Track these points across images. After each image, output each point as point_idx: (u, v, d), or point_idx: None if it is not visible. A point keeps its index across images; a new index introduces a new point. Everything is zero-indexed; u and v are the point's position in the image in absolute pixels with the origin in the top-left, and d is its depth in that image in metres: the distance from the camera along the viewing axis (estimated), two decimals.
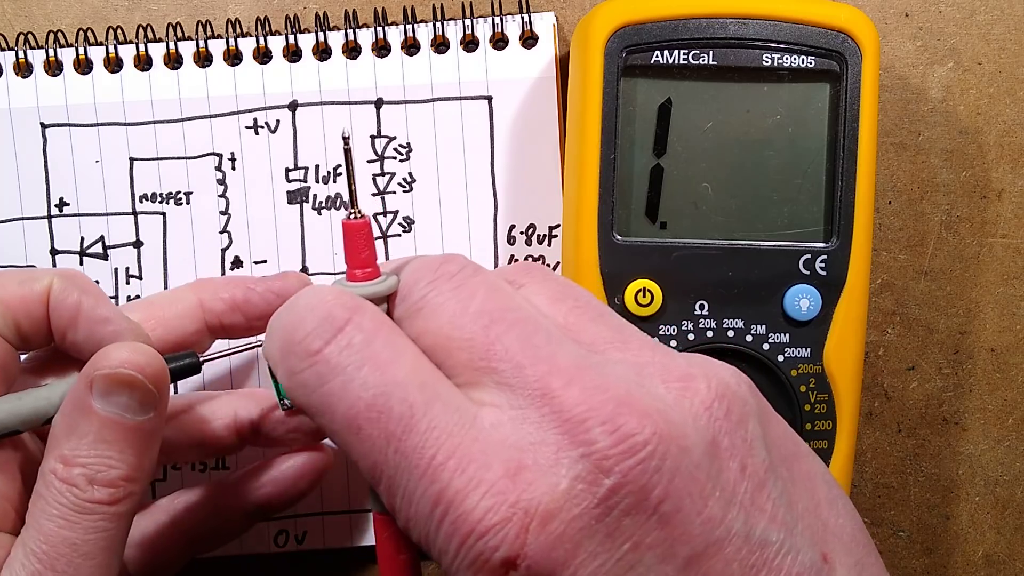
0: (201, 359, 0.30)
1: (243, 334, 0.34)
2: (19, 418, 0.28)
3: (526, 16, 0.38)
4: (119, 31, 0.38)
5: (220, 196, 0.39)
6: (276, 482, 0.34)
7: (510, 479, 0.21)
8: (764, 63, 0.33)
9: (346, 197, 0.38)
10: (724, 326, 0.34)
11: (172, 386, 0.38)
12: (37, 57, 0.38)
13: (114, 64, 0.38)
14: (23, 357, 0.32)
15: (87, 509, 0.26)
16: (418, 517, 0.22)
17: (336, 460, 0.39)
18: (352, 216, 0.26)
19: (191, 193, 0.39)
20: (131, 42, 0.38)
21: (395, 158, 0.38)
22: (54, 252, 0.39)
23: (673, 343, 0.34)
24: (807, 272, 0.34)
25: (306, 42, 0.38)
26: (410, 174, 0.38)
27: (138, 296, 0.39)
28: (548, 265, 0.39)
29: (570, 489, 0.21)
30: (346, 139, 0.27)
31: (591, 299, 0.26)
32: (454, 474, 0.21)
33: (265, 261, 0.39)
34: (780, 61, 0.33)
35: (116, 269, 0.39)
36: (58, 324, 0.30)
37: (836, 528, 0.24)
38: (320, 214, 0.39)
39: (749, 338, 0.34)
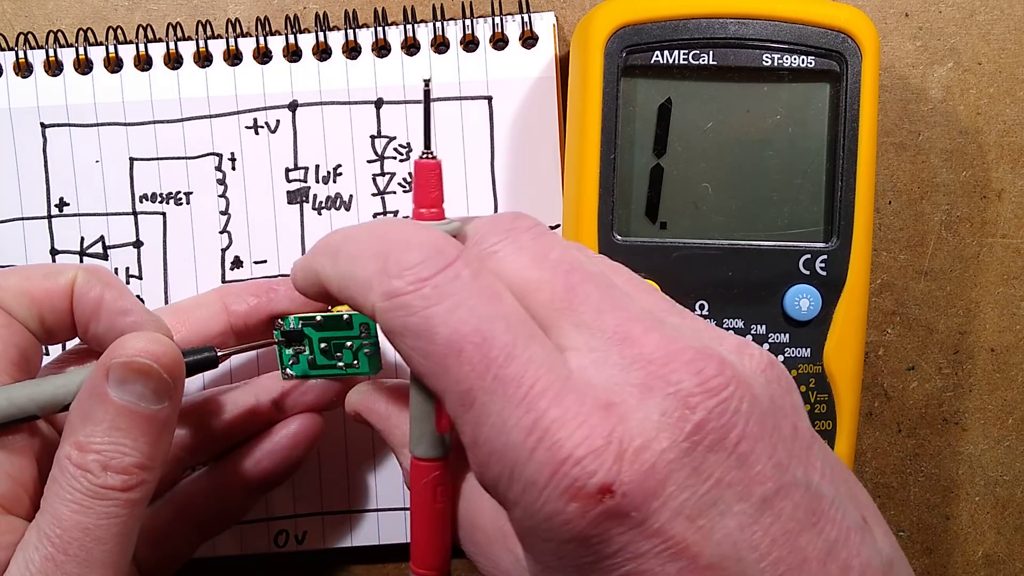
0: (219, 353, 0.31)
1: (267, 335, 0.34)
2: (37, 403, 0.29)
3: (526, 16, 0.38)
4: (119, 31, 0.38)
5: (220, 196, 0.39)
6: (272, 454, 0.34)
7: (604, 412, 0.22)
8: (764, 63, 0.33)
9: (345, 197, 0.39)
10: (724, 326, 0.34)
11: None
12: (37, 57, 0.38)
13: (114, 64, 0.38)
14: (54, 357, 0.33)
15: (100, 495, 0.27)
16: (508, 446, 0.22)
17: (336, 462, 0.39)
18: (424, 156, 0.27)
19: (191, 193, 0.39)
20: (131, 42, 0.38)
21: (395, 158, 0.38)
22: (54, 252, 0.39)
23: None
24: (807, 272, 0.34)
25: (306, 42, 0.38)
26: (410, 174, 0.38)
27: (138, 296, 0.39)
28: None
29: (660, 423, 0.22)
30: (427, 81, 0.28)
31: (641, 278, 0.27)
32: (551, 404, 0.22)
33: (265, 261, 0.39)
34: (780, 61, 0.33)
35: (116, 269, 0.39)
36: (81, 316, 0.31)
37: (863, 501, 0.25)
38: (320, 214, 0.39)
39: (749, 338, 0.34)
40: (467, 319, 0.23)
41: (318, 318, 0.33)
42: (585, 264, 0.25)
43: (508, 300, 0.24)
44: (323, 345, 0.33)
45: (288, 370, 0.33)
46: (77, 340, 0.32)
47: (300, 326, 0.33)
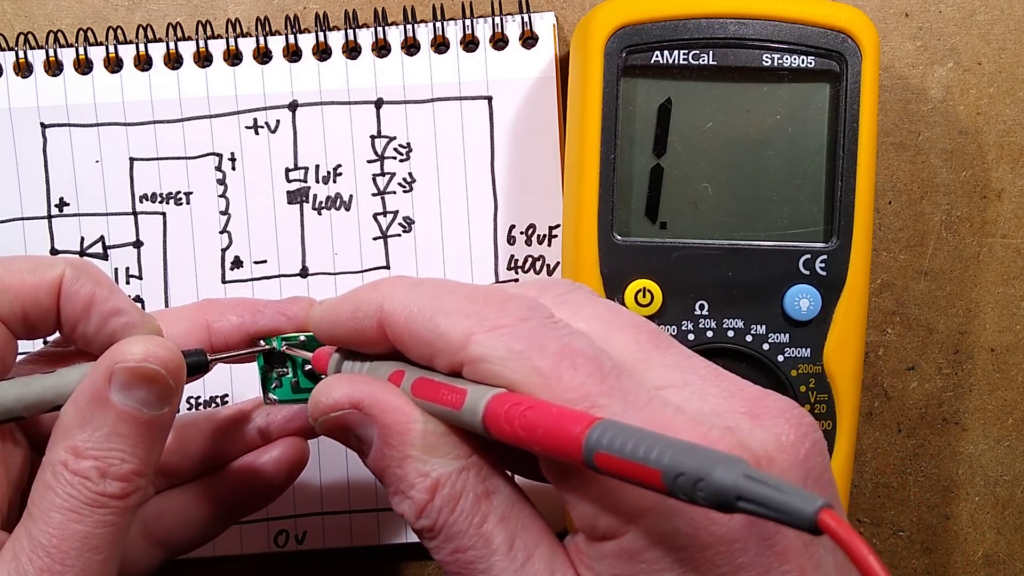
0: (209, 358, 0.30)
1: (249, 356, 0.33)
2: (24, 403, 0.27)
3: (526, 16, 0.38)
4: (119, 31, 0.38)
5: (220, 196, 0.39)
6: (252, 479, 0.33)
7: (725, 431, 0.22)
8: (764, 63, 0.33)
9: (346, 197, 0.38)
10: (724, 326, 0.34)
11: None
12: (37, 57, 0.38)
13: (114, 64, 0.38)
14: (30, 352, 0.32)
15: (98, 503, 0.26)
16: None
17: (336, 462, 0.39)
18: None
19: (191, 193, 0.39)
20: (131, 42, 0.38)
21: (395, 158, 0.38)
22: (54, 252, 0.39)
23: None
24: (807, 272, 0.34)
25: (306, 42, 0.38)
26: (410, 174, 0.38)
27: (138, 296, 0.39)
28: (548, 265, 0.39)
29: (778, 445, 0.22)
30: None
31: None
32: (674, 414, 0.22)
33: (265, 261, 0.39)
34: (780, 61, 0.33)
35: (116, 269, 0.39)
36: (70, 315, 0.29)
37: None
38: (320, 214, 0.39)
39: (749, 338, 0.34)
40: (575, 342, 0.23)
41: (302, 338, 0.31)
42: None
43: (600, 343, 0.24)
44: (308, 367, 0.31)
45: (271, 394, 0.32)
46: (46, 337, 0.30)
47: (284, 347, 0.31)
